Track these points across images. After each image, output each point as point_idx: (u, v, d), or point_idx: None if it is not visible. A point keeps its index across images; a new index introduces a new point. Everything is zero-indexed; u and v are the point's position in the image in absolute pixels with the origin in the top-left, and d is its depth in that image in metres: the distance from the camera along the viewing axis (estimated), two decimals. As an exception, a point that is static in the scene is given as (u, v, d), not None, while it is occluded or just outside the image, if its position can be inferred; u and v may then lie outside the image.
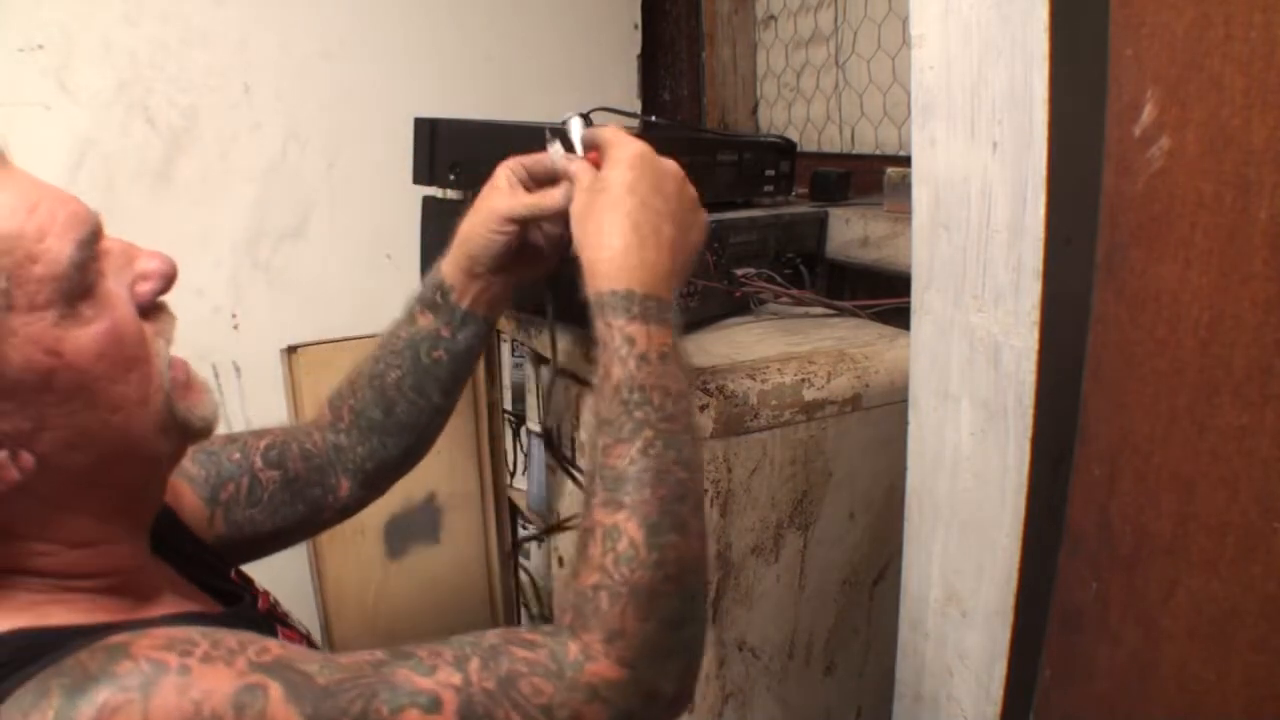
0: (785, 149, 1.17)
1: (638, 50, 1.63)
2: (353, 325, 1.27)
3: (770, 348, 0.91)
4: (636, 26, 1.63)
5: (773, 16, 1.48)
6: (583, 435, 0.68)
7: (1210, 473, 0.48)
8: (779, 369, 0.85)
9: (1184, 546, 0.50)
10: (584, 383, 0.95)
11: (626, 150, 0.62)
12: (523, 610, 1.41)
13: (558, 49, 1.54)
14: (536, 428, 1.26)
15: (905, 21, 1.17)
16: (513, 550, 1.42)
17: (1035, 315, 0.60)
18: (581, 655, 0.50)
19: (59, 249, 0.46)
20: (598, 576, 0.52)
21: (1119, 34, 0.51)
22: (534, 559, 1.38)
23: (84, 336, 0.46)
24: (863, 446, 0.89)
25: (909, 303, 0.72)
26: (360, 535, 1.35)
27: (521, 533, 1.40)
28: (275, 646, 0.46)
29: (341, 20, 1.35)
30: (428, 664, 0.47)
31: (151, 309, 0.52)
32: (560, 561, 1.07)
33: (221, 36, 1.26)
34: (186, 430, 0.53)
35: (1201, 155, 0.46)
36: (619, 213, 0.60)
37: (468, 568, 1.45)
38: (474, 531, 1.44)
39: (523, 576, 1.40)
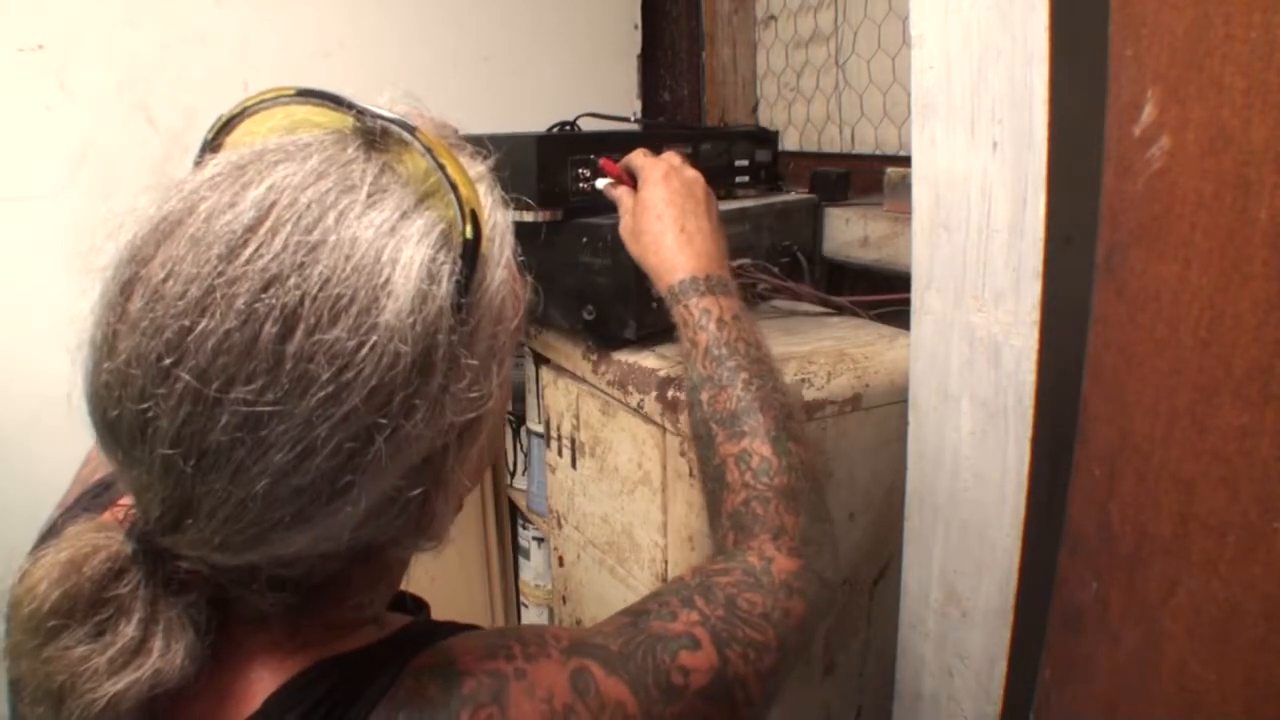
0: (761, 138, 1.16)
1: (638, 50, 1.63)
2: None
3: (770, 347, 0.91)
4: (636, 26, 1.63)
5: (773, 16, 1.48)
6: (682, 425, 0.73)
7: (1210, 473, 0.48)
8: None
9: (1184, 546, 0.50)
10: (582, 381, 0.95)
11: (656, 171, 0.74)
12: (522, 610, 1.41)
13: (557, 49, 1.54)
14: (537, 428, 1.25)
15: (905, 21, 1.17)
16: (513, 550, 1.42)
17: (1035, 315, 0.60)
18: (763, 561, 0.54)
19: (523, 290, 0.46)
20: (744, 494, 0.58)
21: (1119, 34, 0.51)
22: (534, 559, 1.38)
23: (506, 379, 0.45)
24: (863, 446, 0.89)
25: (909, 302, 0.72)
26: (360, 535, 1.35)
27: (522, 533, 1.40)
28: (555, 630, 0.46)
29: (341, 20, 1.35)
30: (667, 611, 0.49)
31: None
32: (560, 561, 1.07)
33: (221, 36, 1.26)
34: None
35: (1201, 155, 0.46)
36: (664, 222, 0.71)
37: (468, 568, 1.45)
38: (474, 531, 1.44)
39: (523, 576, 1.40)
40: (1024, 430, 0.62)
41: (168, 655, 0.36)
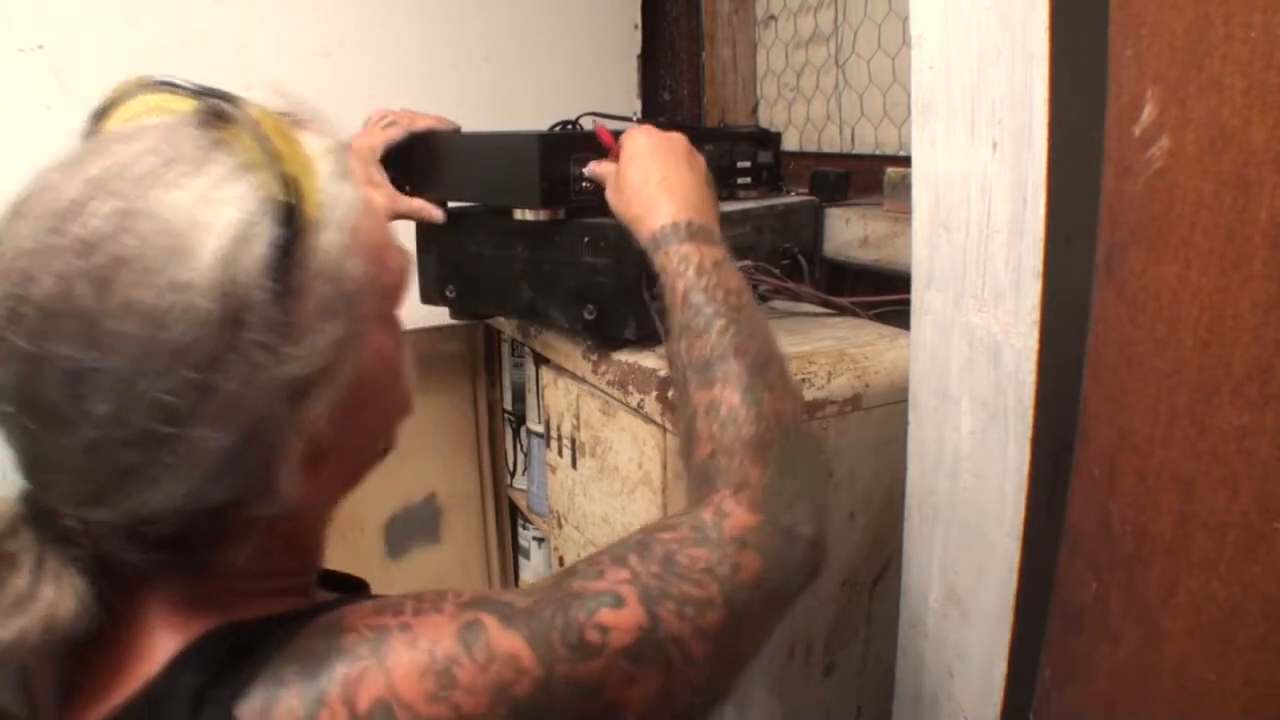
0: (763, 140, 1.15)
1: (638, 50, 1.63)
2: (353, 325, 1.27)
3: (770, 348, 0.91)
4: (636, 26, 1.63)
5: (773, 16, 1.48)
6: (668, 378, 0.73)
7: (1210, 473, 0.48)
8: (779, 369, 0.85)
9: (1184, 546, 0.50)
10: (582, 381, 0.95)
11: (633, 135, 0.75)
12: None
13: (557, 49, 1.54)
14: (537, 428, 1.26)
15: (905, 21, 1.17)
16: (513, 550, 1.42)
17: (1035, 315, 0.60)
18: (717, 516, 0.52)
19: (397, 258, 0.47)
20: (710, 445, 0.56)
21: (1119, 34, 0.51)
22: (534, 559, 1.38)
23: (393, 344, 0.48)
24: (863, 446, 0.89)
25: (909, 302, 0.72)
26: (360, 535, 1.35)
27: (522, 533, 1.40)
28: (464, 590, 0.46)
29: (341, 20, 1.35)
30: (594, 570, 0.48)
31: None
32: (561, 561, 1.07)
33: (221, 36, 1.26)
34: (405, 418, 0.55)
35: (1201, 155, 0.46)
36: (645, 173, 0.70)
37: (468, 568, 1.46)
38: (474, 531, 1.44)
39: (523, 576, 1.40)
40: (1024, 430, 0.62)
41: (57, 600, 0.39)
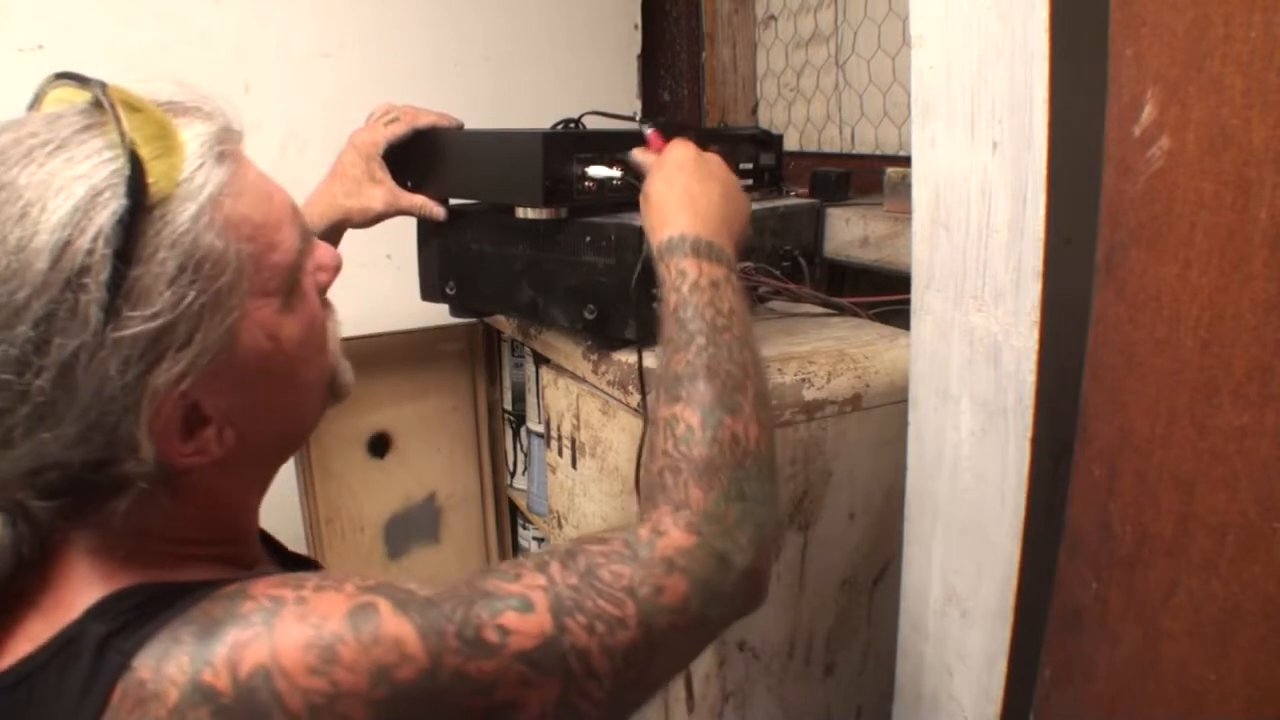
0: (765, 141, 1.15)
1: (638, 50, 1.63)
2: (352, 325, 1.27)
3: (770, 347, 0.91)
4: (636, 26, 1.63)
5: (773, 16, 1.48)
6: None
7: (1210, 473, 0.48)
8: (779, 369, 0.85)
9: (1184, 546, 0.50)
10: (582, 381, 0.95)
11: (675, 146, 0.76)
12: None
13: (557, 49, 1.54)
14: (537, 428, 1.26)
15: (905, 21, 1.17)
16: (513, 550, 1.42)
17: (1035, 315, 0.60)
18: (653, 534, 0.52)
19: (291, 240, 0.50)
20: (662, 461, 0.57)
21: (1119, 34, 0.51)
22: (534, 559, 1.38)
23: (294, 324, 0.50)
24: (863, 446, 0.89)
25: (909, 302, 0.72)
26: (360, 534, 1.35)
27: (522, 533, 1.41)
28: (379, 575, 0.48)
29: (340, 20, 1.35)
30: (511, 573, 0.49)
31: (323, 297, 0.56)
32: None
33: (221, 36, 1.26)
34: (338, 396, 0.58)
35: (1201, 155, 0.46)
36: (671, 185, 0.71)
37: (468, 568, 1.45)
38: (474, 531, 1.44)
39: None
40: (1024, 430, 0.62)
41: None
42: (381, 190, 0.92)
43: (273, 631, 0.42)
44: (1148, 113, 0.49)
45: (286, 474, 1.30)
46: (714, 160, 0.75)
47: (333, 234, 0.92)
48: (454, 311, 1.08)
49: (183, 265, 0.42)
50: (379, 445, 1.35)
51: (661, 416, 0.59)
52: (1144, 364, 0.51)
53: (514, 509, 1.44)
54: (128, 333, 0.41)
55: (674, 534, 0.52)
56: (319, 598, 0.44)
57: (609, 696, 0.48)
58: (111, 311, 0.40)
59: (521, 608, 0.46)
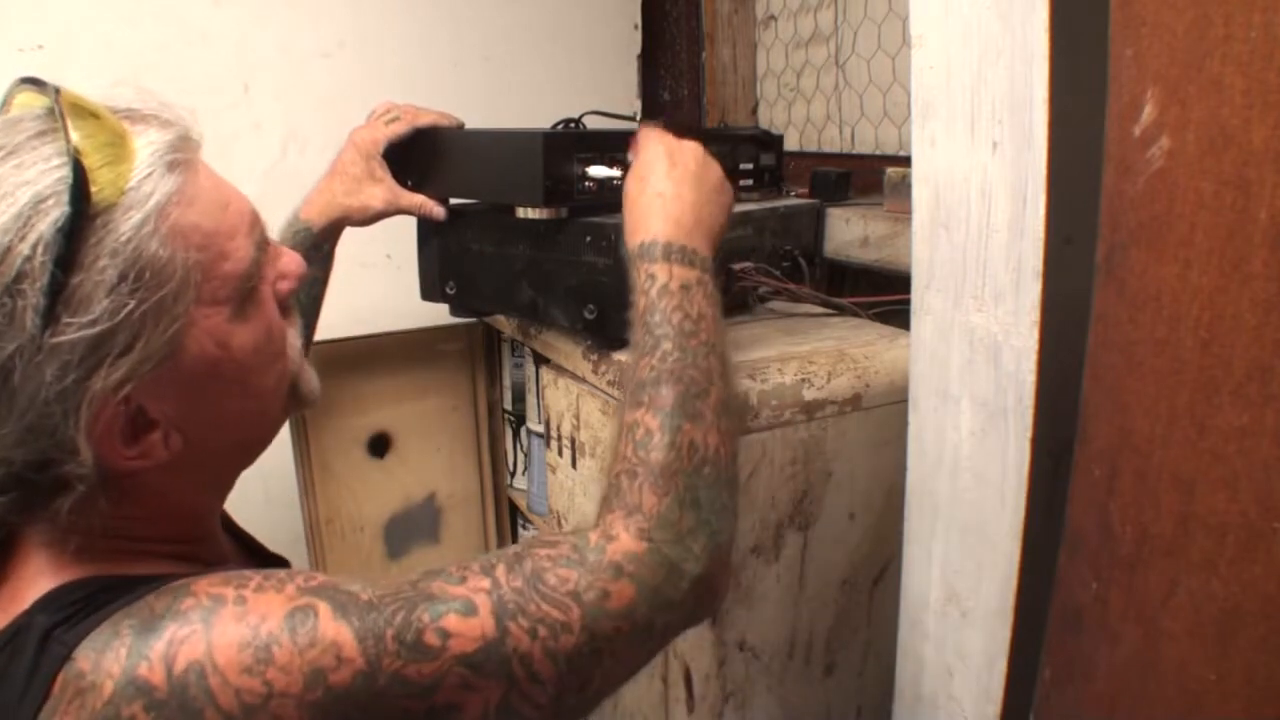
0: (766, 142, 1.14)
1: (638, 50, 1.63)
2: (352, 324, 1.27)
3: (770, 347, 0.91)
4: (636, 26, 1.63)
5: (773, 16, 1.48)
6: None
7: (1210, 473, 0.48)
8: (779, 369, 0.85)
9: (1184, 546, 0.50)
10: (582, 381, 0.95)
11: (647, 143, 0.73)
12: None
13: (557, 49, 1.54)
14: (537, 428, 1.26)
15: (905, 21, 1.17)
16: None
17: (1035, 315, 0.60)
18: (603, 539, 0.52)
19: (245, 249, 0.50)
20: (620, 465, 0.57)
21: (1119, 34, 0.51)
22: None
23: (246, 332, 0.51)
24: (863, 446, 0.89)
25: (909, 302, 0.72)
26: (360, 535, 1.35)
27: (522, 533, 1.41)
28: (323, 575, 0.48)
29: (340, 20, 1.35)
30: (458, 575, 0.49)
31: (285, 305, 0.56)
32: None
33: (221, 36, 1.26)
34: (301, 404, 0.58)
35: (1201, 155, 0.46)
36: (640, 187, 0.70)
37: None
38: (474, 531, 1.44)
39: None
40: (1024, 430, 0.62)
41: None
42: (381, 189, 0.91)
43: (210, 629, 0.43)
44: (1148, 113, 0.49)
45: (286, 474, 1.30)
46: (690, 152, 0.72)
47: (332, 232, 0.92)
48: (454, 311, 1.08)
49: (124, 273, 0.43)
50: (379, 445, 1.35)
51: (625, 421, 0.59)
52: (1144, 364, 0.51)
53: (514, 509, 1.44)
54: (65, 339, 0.41)
55: (624, 539, 0.52)
56: (258, 598, 0.45)
57: (552, 701, 0.48)
58: (50, 317, 0.41)
59: (464, 610, 0.46)
